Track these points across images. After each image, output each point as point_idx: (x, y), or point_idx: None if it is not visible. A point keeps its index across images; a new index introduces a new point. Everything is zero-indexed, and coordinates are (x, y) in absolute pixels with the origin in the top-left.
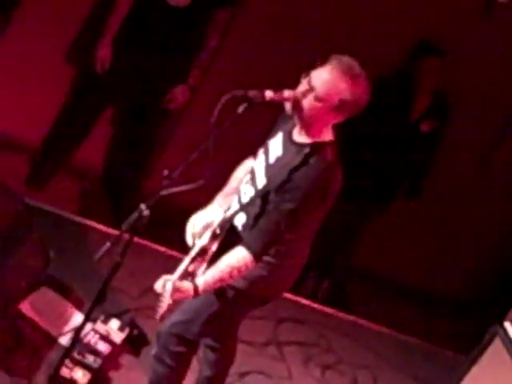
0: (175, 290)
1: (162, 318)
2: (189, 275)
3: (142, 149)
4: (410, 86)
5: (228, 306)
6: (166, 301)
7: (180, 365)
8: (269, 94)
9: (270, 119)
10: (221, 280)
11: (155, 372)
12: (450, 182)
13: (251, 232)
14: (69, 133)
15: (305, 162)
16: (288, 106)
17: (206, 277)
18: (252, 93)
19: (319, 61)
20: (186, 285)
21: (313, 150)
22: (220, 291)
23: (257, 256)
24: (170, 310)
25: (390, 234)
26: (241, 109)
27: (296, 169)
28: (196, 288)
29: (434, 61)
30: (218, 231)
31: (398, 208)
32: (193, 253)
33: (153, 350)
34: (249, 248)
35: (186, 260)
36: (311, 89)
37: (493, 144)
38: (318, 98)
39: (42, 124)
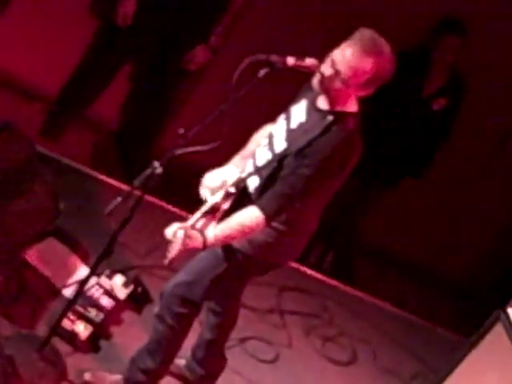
0: (187, 236)
1: (171, 263)
2: (197, 231)
3: (158, 107)
4: (426, 63)
5: (233, 270)
6: (176, 246)
7: (181, 326)
8: (291, 60)
9: (290, 86)
10: (230, 236)
11: (156, 331)
12: (464, 164)
13: (266, 193)
14: (87, 85)
15: (326, 130)
16: (315, 81)
17: (216, 231)
18: (274, 58)
19: (342, 38)
20: (196, 234)
21: (335, 119)
22: (226, 254)
23: (269, 217)
24: (180, 257)
25: (399, 211)
26: (262, 73)
27: (317, 137)
28: (205, 240)
29: (454, 39)
30: (231, 190)
31: (409, 185)
32: (204, 208)
33: (155, 308)
34: (262, 209)
35: (198, 213)
36: (337, 73)
37: (509, 128)
38: (345, 82)
39: (60, 74)
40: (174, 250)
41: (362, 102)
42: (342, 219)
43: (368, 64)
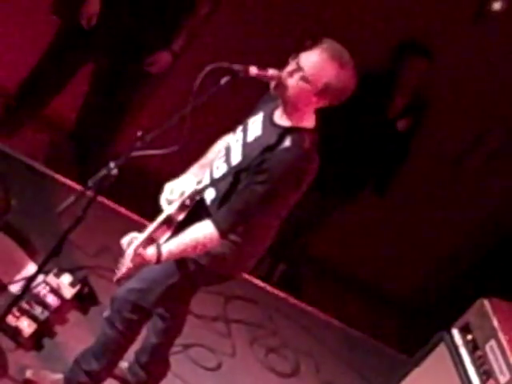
0: (137, 255)
1: (119, 281)
2: (152, 241)
3: (117, 108)
4: (390, 83)
5: (187, 280)
6: (126, 264)
7: (130, 331)
8: (253, 70)
9: (250, 96)
10: (185, 252)
11: (105, 335)
12: (419, 183)
13: (221, 209)
14: (46, 82)
15: (279, 142)
16: (272, 84)
17: (170, 246)
18: (237, 66)
19: (310, 43)
20: (150, 251)
21: (291, 134)
22: (181, 264)
23: (223, 234)
24: (129, 274)
25: (352, 227)
26: (223, 81)
27: (270, 149)
28: (160, 255)
29: (419, 61)
30: (187, 202)
31: (364, 203)
32: (159, 219)
33: (105, 312)
34: (216, 224)
35: (152, 226)
36: (299, 69)
37: (466, 150)
38: (304, 78)
39: (19, 70)
40: (123, 267)
41: (327, 119)
42: (295, 233)
43: (331, 69)
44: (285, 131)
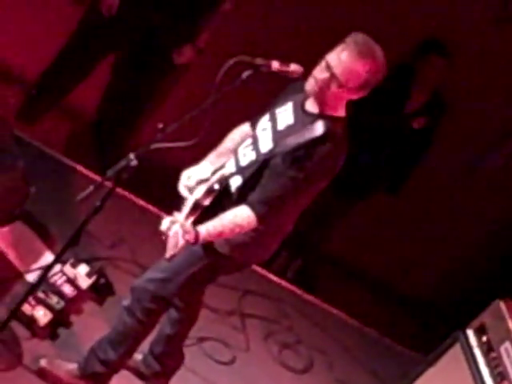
0: (185, 231)
1: (172, 257)
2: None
3: (138, 100)
4: (409, 81)
5: (207, 269)
6: (178, 242)
7: (149, 320)
8: (275, 64)
9: (272, 89)
10: (222, 234)
11: (124, 323)
12: (436, 183)
13: (255, 193)
14: (68, 72)
15: (317, 137)
16: (309, 86)
17: (208, 227)
18: (259, 61)
19: (335, 42)
20: (191, 229)
21: (325, 122)
22: (201, 253)
23: (260, 218)
24: (179, 252)
25: (368, 226)
26: (245, 75)
27: (308, 143)
28: (198, 235)
29: (439, 60)
30: (215, 187)
31: (382, 201)
32: (190, 204)
33: (125, 301)
34: (253, 209)
35: (185, 209)
36: (333, 76)
37: (482, 152)
38: (341, 86)
39: (42, 59)
40: (173, 246)
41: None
42: (312, 229)
43: (364, 67)
44: (319, 121)
